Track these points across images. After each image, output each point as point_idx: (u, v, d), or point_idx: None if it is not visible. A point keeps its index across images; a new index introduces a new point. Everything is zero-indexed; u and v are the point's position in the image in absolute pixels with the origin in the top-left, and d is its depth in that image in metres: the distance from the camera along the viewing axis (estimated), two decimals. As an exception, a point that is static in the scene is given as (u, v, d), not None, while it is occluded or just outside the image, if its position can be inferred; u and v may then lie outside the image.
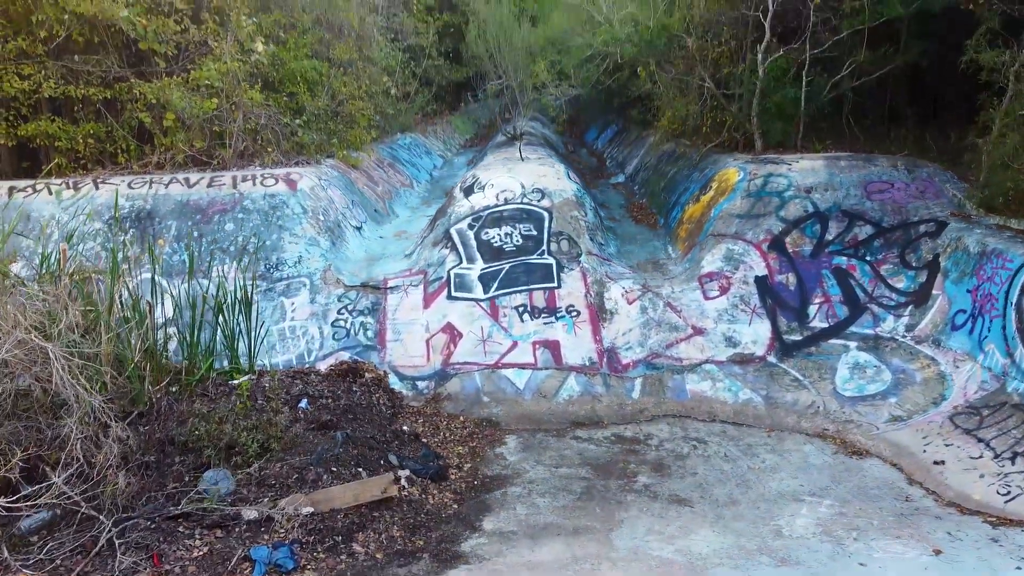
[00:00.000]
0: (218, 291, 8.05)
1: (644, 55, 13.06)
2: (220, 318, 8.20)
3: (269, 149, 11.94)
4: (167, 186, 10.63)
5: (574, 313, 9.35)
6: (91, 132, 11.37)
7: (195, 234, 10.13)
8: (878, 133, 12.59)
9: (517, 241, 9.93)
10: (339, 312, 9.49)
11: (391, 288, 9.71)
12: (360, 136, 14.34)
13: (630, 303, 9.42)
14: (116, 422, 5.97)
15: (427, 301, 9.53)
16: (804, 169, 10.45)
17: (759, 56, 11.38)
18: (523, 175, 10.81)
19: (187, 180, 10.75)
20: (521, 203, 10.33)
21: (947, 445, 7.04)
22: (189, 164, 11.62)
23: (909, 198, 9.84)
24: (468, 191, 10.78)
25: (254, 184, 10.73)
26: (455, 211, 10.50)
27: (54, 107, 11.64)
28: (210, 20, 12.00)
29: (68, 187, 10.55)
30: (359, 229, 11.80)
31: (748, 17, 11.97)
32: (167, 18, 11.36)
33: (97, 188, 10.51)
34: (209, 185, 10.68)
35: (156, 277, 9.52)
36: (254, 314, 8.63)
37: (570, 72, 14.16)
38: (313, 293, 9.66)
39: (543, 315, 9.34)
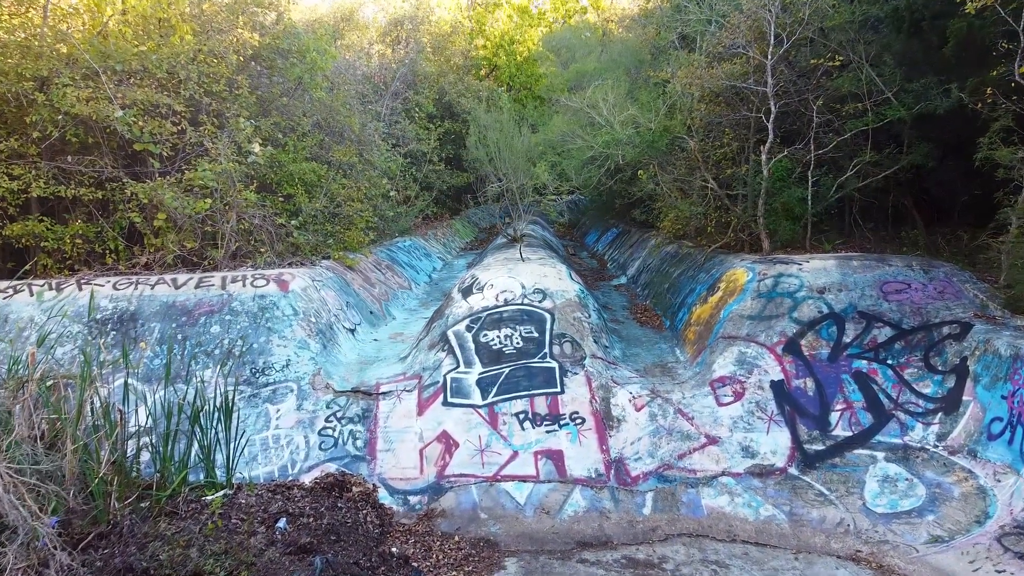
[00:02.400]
0: (195, 398, 7.49)
1: (646, 156, 12.99)
2: (196, 427, 7.61)
3: (262, 250, 11.62)
4: (153, 287, 10.23)
5: (578, 420, 8.73)
6: (79, 232, 11.08)
7: (179, 336, 9.63)
8: (884, 234, 12.34)
9: (517, 344, 9.44)
10: (327, 420, 8.86)
11: (384, 394, 9.13)
12: (357, 238, 14.09)
13: (638, 410, 8.81)
14: (64, 550, 5.28)
15: (421, 408, 8.92)
16: (816, 269, 10.08)
17: (763, 157, 11.24)
18: (524, 276, 10.44)
19: (174, 281, 10.36)
20: (522, 304, 9.90)
21: (999, 572, 6.28)
22: (179, 265, 11.27)
23: (928, 299, 9.40)
24: (466, 292, 10.37)
25: (244, 285, 10.33)
26: (453, 312, 10.06)
27: (44, 207, 11.40)
28: (208, 123, 11.94)
29: (51, 288, 10.14)
30: (353, 331, 11.32)
31: (750, 119, 11.93)
32: (164, 120, 11.28)
33: (80, 289, 10.09)
34: (197, 286, 10.28)
35: (132, 382, 9.00)
36: (235, 422, 8.07)
37: (571, 174, 14.10)
38: (300, 399, 9.07)
39: (545, 423, 8.72)
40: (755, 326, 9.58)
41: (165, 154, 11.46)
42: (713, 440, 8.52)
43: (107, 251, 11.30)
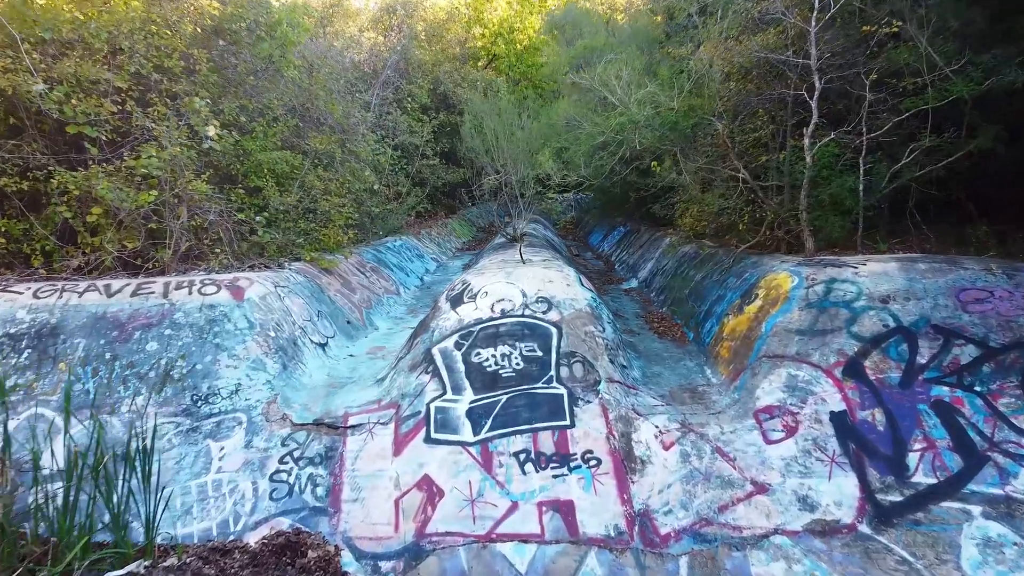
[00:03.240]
0: (97, 444, 5.81)
1: (667, 141, 11.27)
2: (103, 476, 5.94)
3: (218, 250, 9.91)
4: (81, 295, 8.54)
5: (593, 462, 7.02)
6: (2, 230, 9.37)
7: (107, 355, 7.95)
8: (942, 230, 10.62)
9: (517, 364, 7.74)
10: (282, 461, 7.16)
11: (352, 427, 7.43)
12: (335, 236, 12.39)
13: (667, 448, 7.11)
14: None
15: (399, 445, 7.22)
16: (875, 274, 8.36)
17: (806, 141, 9.53)
18: (525, 281, 8.73)
19: (107, 288, 8.66)
20: (522, 316, 8.20)
21: None
22: (119, 269, 9.57)
23: (1017, 310, 7.70)
24: (456, 301, 8.66)
25: (190, 292, 8.63)
26: (439, 326, 8.35)
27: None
28: (159, 103, 10.24)
29: (-45, 296, 8.46)
30: (323, 346, 9.61)
31: (787, 97, 10.22)
32: (103, 99, 9.58)
33: (-8, 298, 8.41)
34: (134, 294, 8.59)
35: (46, 412, 7.34)
36: (168, 463, 6.42)
37: (579, 162, 12.42)
38: (250, 434, 7.38)
39: (552, 464, 7.01)
40: (806, 343, 7.87)
41: (105, 139, 9.76)
42: (762, 488, 6.81)
43: (35, 252, 9.58)
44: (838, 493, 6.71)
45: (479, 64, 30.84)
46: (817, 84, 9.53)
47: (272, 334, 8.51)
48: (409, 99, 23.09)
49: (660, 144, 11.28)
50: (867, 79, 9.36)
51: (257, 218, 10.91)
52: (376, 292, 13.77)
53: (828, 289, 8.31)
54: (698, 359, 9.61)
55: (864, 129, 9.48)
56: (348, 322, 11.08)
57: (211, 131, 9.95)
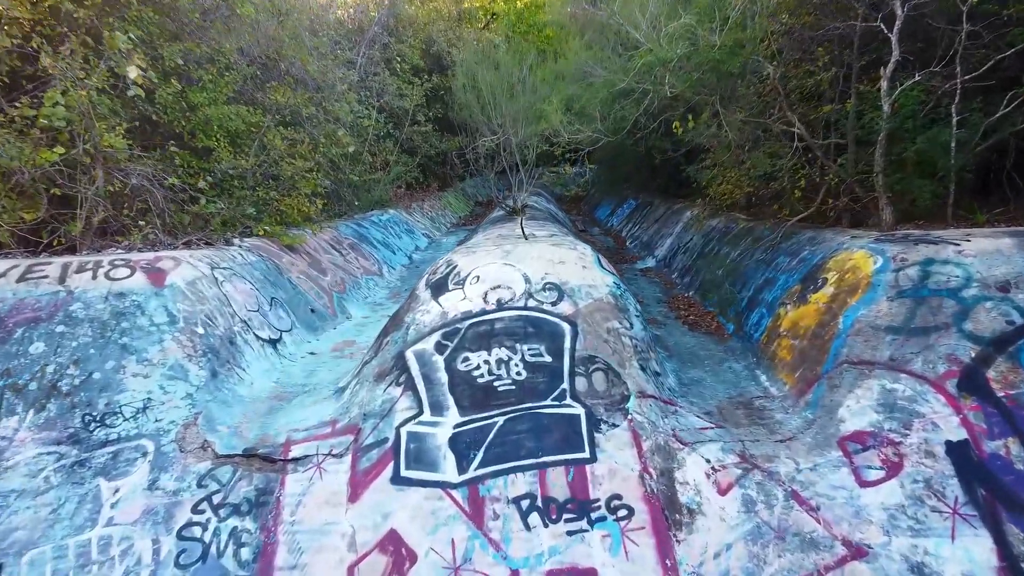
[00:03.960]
0: None
1: (704, 89, 9.19)
2: None
3: (143, 223, 7.91)
4: (-50, 280, 6.57)
5: (622, 512, 5.10)
6: None
7: (-24, 361, 5.99)
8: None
9: (518, 374, 5.79)
10: (196, 508, 5.23)
11: (295, 460, 5.50)
12: (300, 207, 10.37)
13: (723, 492, 5.18)
14: None
15: (356, 486, 5.29)
16: (985, 253, 6.37)
17: (883, 85, 7.50)
18: (528, 262, 6.74)
19: (-14, 270, 6.68)
20: (525, 308, 6.22)
21: None
22: (16, 247, 7.58)
23: None
24: (438, 288, 6.68)
25: (95, 276, 6.66)
26: (416, 321, 6.38)
27: None
28: (74, 38, 8.18)
29: None
30: (275, 343, 7.66)
31: (854, 31, 8.16)
32: (-7, 29, 7.55)
33: None
34: (22, 278, 6.62)
35: None
36: (37, 513, 4.54)
37: (594, 113, 10.35)
38: (157, 470, 5.44)
39: (566, 516, 5.09)
40: (902, 345, 5.90)
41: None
42: (858, 551, 4.88)
43: (-91, 225, 7.60)
44: (966, 559, 4.78)
45: (477, 26, 28.59)
46: (899, 11, 7.48)
47: (200, 331, 6.55)
48: (399, 59, 20.93)
49: (695, 92, 9.20)
50: (963, 4, 7.30)
51: (201, 183, 8.88)
52: (353, 273, 11.79)
53: (925, 273, 6.33)
54: (745, 359, 7.64)
55: (959, 70, 7.43)
56: (312, 310, 9.12)
57: (132, 72, 7.89)
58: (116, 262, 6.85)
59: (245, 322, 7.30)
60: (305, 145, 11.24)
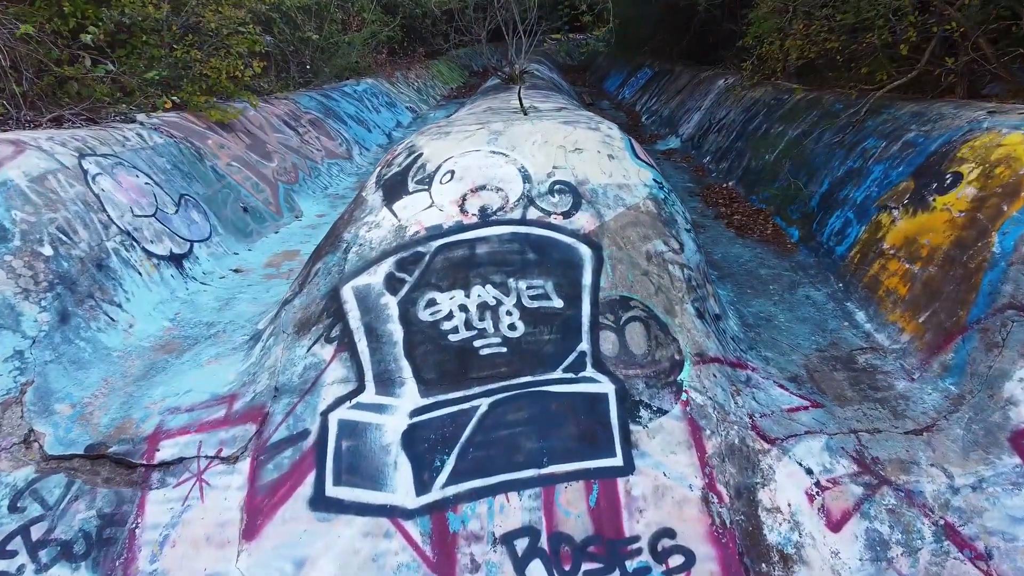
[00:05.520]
0: None
1: None
2: None
3: (-16, 90, 5.62)
4: None
5: (676, 559, 3.21)
6: None
7: None
8: None
9: (511, 328, 3.75)
10: (3, 550, 3.31)
11: (163, 467, 3.55)
12: (230, 70, 7.96)
13: (836, 525, 3.26)
14: None
15: (255, 514, 3.36)
16: None
17: None
18: (527, 149, 4.50)
19: None
20: (523, 221, 4.08)
21: None
22: None
23: None
24: (393, 188, 4.48)
25: None
26: (359, 239, 4.24)
27: None
28: None
29: None
30: (179, 260, 5.57)
31: None
32: None
33: None
34: None
35: None
36: None
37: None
38: (-50, 480, 3.50)
39: (588, 567, 3.20)
40: (1105, 281, 3.83)
41: None
42: (1061, 632, 3.01)
43: None
44: None
45: None
46: None
47: (47, 250, 4.44)
48: None
49: None
50: None
51: (85, 37, 6.49)
52: (311, 157, 9.53)
53: None
54: (827, 283, 5.57)
55: None
56: (245, 209, 6.97)
57: None
58: (-78, 149, 4.65)
59: (128, 233, 5.17)
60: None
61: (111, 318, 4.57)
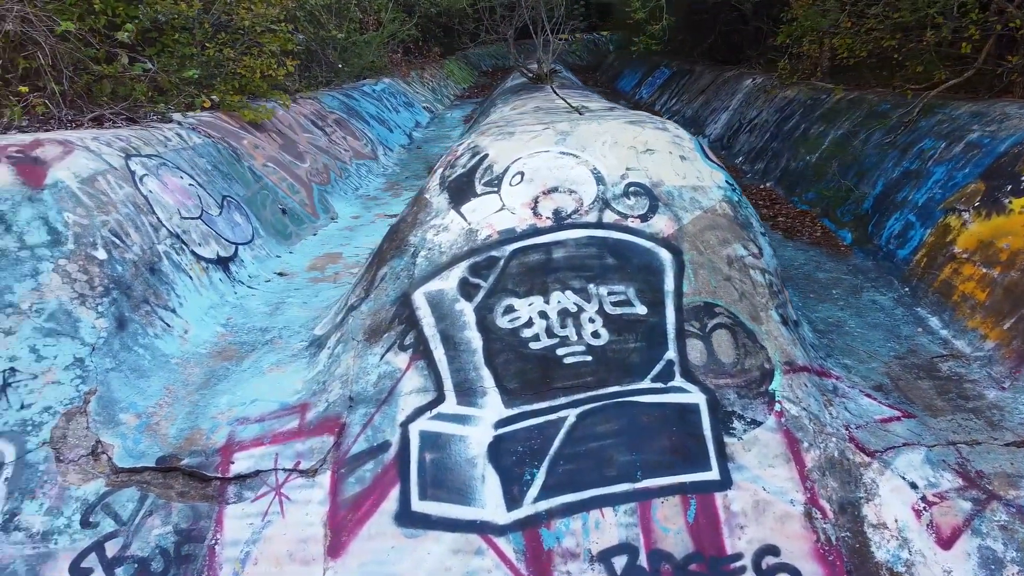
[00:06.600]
0: None
1: None
2: None
3: (25, 88, 5.48)
4: None
5: (781, 575, 3.08)
6: None
7: None
8: None
9: (594, 335, 3.62)
10: (78, 567, 3.18)
11: (239, 481, 3.41)
12: (264, 69, 7.83)
13: (946, 542, 3.14)
14: None
15: (339, 530, 3.23)
16: None
17: None
18: (597, 150, 4.36)
19: None
20: (599, 224, 3.95)
21: None
22: None
23: None
24: (460, 190, 4.34)
25: (-67, 171, 4.34)
26: (427, 242, 4.10)
27: None
28: None
29: None
30: (225, 263, 5.44)
31: None
32: None
33: None
34: None
35: None
36: None
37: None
38: (18, 495, 3.38)
39: (686, 583, 3.06)
40: None
41: None
42: None
43: None
44: None
45: None
46: None
47: (101, 255, 4.30)
48: None
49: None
50: None
51: (121, 35, 6.35)
52: (340, 158, 9.39)
53: None
54: (891, 288, 5.44)
55: None
56: (284, 211, 6.84)
57: None
58: (-30, 148, 4.50)
59: (177, 236, 5.04)
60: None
61: (167, 324, 4.43)
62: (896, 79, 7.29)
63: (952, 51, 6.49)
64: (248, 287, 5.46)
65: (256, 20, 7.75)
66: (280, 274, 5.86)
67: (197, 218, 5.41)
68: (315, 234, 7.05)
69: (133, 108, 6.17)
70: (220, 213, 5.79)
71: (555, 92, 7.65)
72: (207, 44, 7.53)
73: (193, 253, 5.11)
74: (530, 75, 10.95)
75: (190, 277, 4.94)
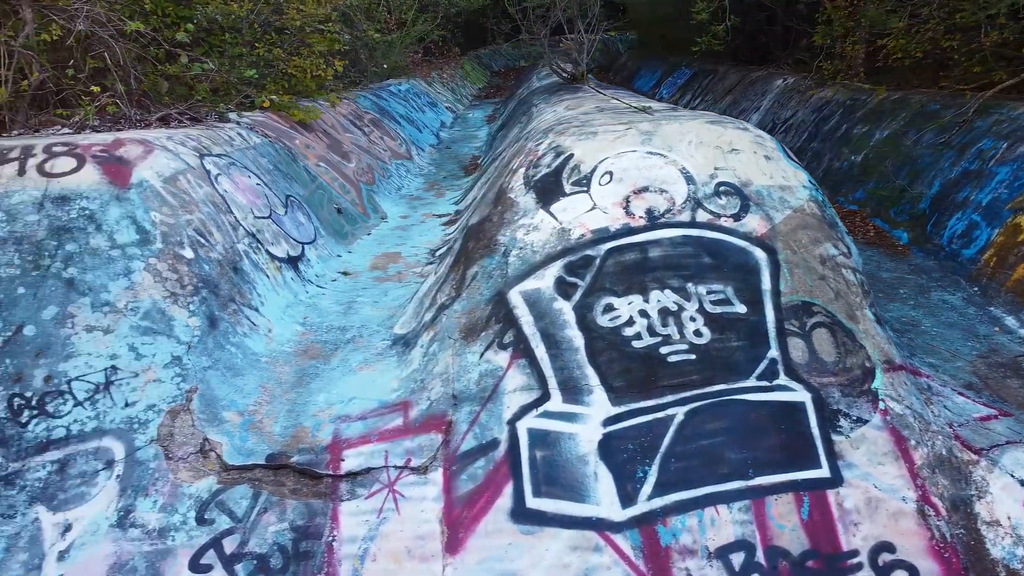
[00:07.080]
0: None
1: None
2: None
3: (97, 88, 5.51)
4: None
5: (898, 572, 3.09)
6: None
7: None
8: None
9: (696, 334, 3.64)
10: (198, 565, 3.21)
11: (351, 478, 3.43)
12: (313, 69, 7.86)
13: (1062, 541, 3.15)
14: None
15: (456, 526, 3.25)
16: None
17: None
18: (683, 149, 4.38)
19: None
20: (693, 223, 3.98)
21: None
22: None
23: None
24: (548, 190, 4.36)
25: (22, 171, 4.40)
26: (518, 242, 4.13)
27: None
28: None
29: None
30: (295, 262, 5.47)
31: None
32: None
33: None
34: (-89, 173, 4.33)
35: None
36: None
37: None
38: (131, 492, 3.40)
39: (804, 579, 3.09)
40: None
41: None
42: None
43: None
44: None
45: None
46: None
47: (188, 253, 4.33)
48: None
49: None
50: None
51: (180, 35, 6.38)
52: (380, 157, 9.42)
53: None
54: (957, 287, 5.47)
55: None
56: (339, 210, 6.86)
57: None
58: (55, 148, 4.53)
59: (253, 235, 5.07)
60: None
61: (252, 323, 4.46)
62: (945, 79, 7.32)
63: (1007, 51, 6.52)
64: (317, 286, 5.49)
65: (306, 20, 7.79)
66: (344, 273, 5.88)
67: (267, 217, 5.43)
68: (369, 234, 7.07)
69: (194, 108, 6.19)
70: (286, 213, 5.81)
71: (601, 92, 7.67)
72: (256, 44, 7.55)
73: (268, 252, 5.14)
74: (565, 75, 10.97)
75: (267, 276, 4.97)
